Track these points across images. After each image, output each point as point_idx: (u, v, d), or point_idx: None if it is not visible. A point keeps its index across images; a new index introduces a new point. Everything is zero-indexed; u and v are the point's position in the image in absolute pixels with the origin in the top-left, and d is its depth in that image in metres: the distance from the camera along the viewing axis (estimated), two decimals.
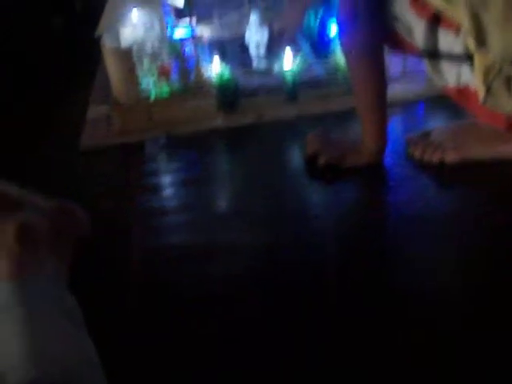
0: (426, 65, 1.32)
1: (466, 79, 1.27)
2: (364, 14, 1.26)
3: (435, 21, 1.23)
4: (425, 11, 1.23)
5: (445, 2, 1.18)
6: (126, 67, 1.62)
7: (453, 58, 1.26)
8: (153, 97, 1.66)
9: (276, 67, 1.67)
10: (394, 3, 1.28)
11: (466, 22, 1.16)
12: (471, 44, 1.20)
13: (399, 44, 1.37)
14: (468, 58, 1.23)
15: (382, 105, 1.37)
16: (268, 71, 1.73)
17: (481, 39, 1.16)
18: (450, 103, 1.41)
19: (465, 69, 1.25)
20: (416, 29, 1.27)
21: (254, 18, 1.86)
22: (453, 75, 1.28)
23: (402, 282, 1.09)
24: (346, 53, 1.35)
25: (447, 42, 1.25)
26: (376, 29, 1.30)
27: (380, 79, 1.35)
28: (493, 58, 1.18)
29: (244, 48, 1.93)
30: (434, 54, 1.28)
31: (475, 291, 1.06)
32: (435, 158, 1.40)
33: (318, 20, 1.92)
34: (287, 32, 1.72)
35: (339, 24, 1.32)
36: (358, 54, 1.32)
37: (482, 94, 1.23)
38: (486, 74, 1.21)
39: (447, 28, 1.23)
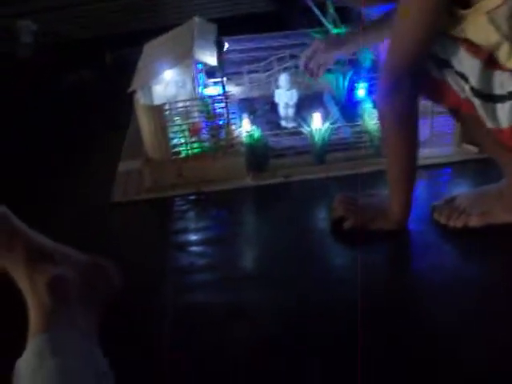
0: (477, 107, 1.31)
1: None
2: (407, 81, 1.26)
3: (491, 61, 1.23)
4: (480, 53, 1.23)
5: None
6: (158, 124, 1.65)
7: (506, 97, 1.25)
8: (183, 154, 1.70)
9: (305, 129, 1.70)
10: (447, 50, 1.28)
11: None
12: None
13: (440, 93, 1.36)
14: None
15: (412, 174, 1.38)
16: (297, 132, 1.75)
17: None
18: (476, 169, 1.43)
19: None
20: (470, 70, 1.26)
21: (283, 78, 1.90)
22: (506, 114, 1.26)
23: (425, 349, 1.09)
24: (383, 119, 1.36)
25: (501, 81, 1.24)
26: (416, 96, 1.31)
27: (413, 148, 1.36)
28: None
29: (273, 107, 1.97)
30: (487, 96, 1.27)
31: (498, 362, 1.06)
32: (460, 223, 1.41)
33: (347, 83, 1.96)
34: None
35: (380, 90, 1.33)
36: (396, 122, 1.32)
37: None
38: None
39: (502, 69, 1.24)
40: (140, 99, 1.68)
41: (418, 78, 1.28)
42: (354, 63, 2.05)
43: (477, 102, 1.28)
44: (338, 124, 1.79)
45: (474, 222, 1.40)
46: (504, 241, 1.37)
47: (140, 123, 1.69)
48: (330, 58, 1.80)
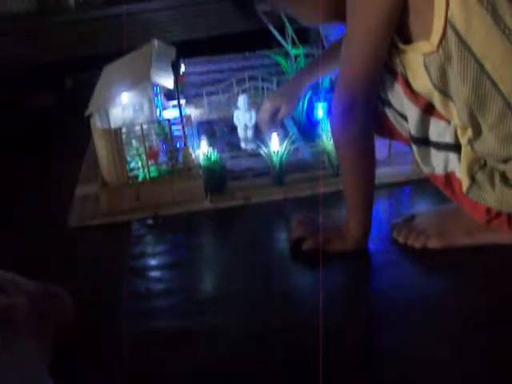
0: (413, 151, 1.33)
1: (452, 167, 1.29)
2: (361, 105, 1.25)
3: (429, 109, 1.25)
4: (419, 100, 1.25)
5: (442, 96, 1.20)
6: (115, 148, 1.63)
7: (442, 146, 1.27)
8: (141, 177, 1.68)
9: (263, 150, 1.69)
10: (388, 90, 1.30)
11: (462, 116, 1.18)
12: (461, 136, 1.23)
13: (386, 129, 1.39)
14: (456, 147, 1.26)
15: (369, 192, 1.38)
16: (255, 154, 1.75)
17: (475, 134, 1.19)
18: (435, 187, 1.43)
19: (452, 157, 1.27)
20: (409, 115, 1.28)
21: (242, 100, 1.89)
22: (440, 162, 1.29)
23: (385, 370, 1.09)
24: (337, 140, 1.34)
25: (438, 130, 1.26)
26: (370, 118, 1.31)
27: (370, 166, 1.36)
28: (480, 154, 1.21)
29: (232, 129, 1.96)
30: (423, 141, 1.29)
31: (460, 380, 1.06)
32: (418, 243, 1.41)
33: (306, 103, 1.96)
34: (281, 113, 1.72)
35: (333, 113, 1.31)
36: (351, 142, 1.31)
37: (465, 183, 1.25)
38: (472, 164, 1.23)
39: (439, 117, 1.25)
40: (96, 122, 1.66)
41: (369, 104, 1.28)
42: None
43: (414, 146, 1.30)
44: (297, 145, 1.78)
45: (433, 243, 1.40)
46: (464, 259, 1.36)
47: (96, 147, 1.68)
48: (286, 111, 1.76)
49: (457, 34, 1.09)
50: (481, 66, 1.10)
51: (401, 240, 1.43)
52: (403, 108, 1.29)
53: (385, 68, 1.25)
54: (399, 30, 1.18)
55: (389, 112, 1.35)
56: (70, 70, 2.88)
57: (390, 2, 1.12)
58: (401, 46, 1.19)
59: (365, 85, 1.24)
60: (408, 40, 1.18)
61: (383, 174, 1.66)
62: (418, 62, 1.18)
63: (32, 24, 3.05)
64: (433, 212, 1.51)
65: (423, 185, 1.65)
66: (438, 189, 1.38)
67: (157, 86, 1.77)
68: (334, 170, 1.72)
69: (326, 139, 1.74)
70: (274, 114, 1.70)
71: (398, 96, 1.29)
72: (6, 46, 2.93)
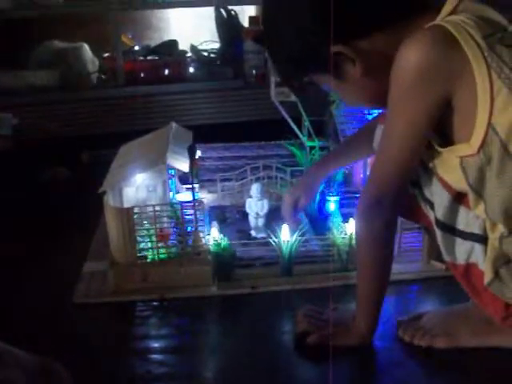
0: (438, 237, 1.32)
1: (475, 258, 1.27)
2: (390, 201, 1.26)
3: (459, 197, 1.25)
4: (451, 188, 1.25)
5: (475, 196, 1.21)
6: (126, 227, 1.64)
7: (468, 235, 1.27)
8: (149, 258, 1.68)
9: (273, 239, 1.69)
10: (419, 172, 1.30)
11: (495, 215, 1.19)
12: (490, 230, 1.22)
13: (412, 212, 1.39)
14: (483, 239, 1.25)
15: (382, 288, 1.38)
16: (265, 243, 1.75)
17: (508, 232, 1.19)
18: (444, 286, 1.43)
19: (477, 248, 1.26)
20: (438, 200, 1.28)
21: (255, 188, 1.91)
22: (463, 252, 1.28)
23: None
24: (360, 233, 1.35)
25: (467, 219, 1.26)
26: (397, 214, 1.32)
27: (387, 263, 1.36)
28: (508, 252, 1.21)
29: (244, 216, 1.97)
30: (449, 228, 1.28)
31: None
32: (424, 343, 1.40)
33: (318, 196, 1.97)
34: (300, 204, 1.73)
35: (360, 204, 1.32)
36: (374, 238, 1.32)
37: (488, 276, 1.23)
38: (497, 259, 1.22)
39: (469, 207, 1.25)
40: (109, 200, 1.68)
41: (397, 205, 1.29)
42: None
43: (438, 232, 1.30)
44: (307, 236, 1.79)
45: (440, 343, 1.39)
46: (470, 361, 1.35)
47: (108, 225, 1.69)
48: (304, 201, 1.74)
49: (499, 139, 1.11)
50: None
51: (406, 338, 1.42)
52: (431, 193, 1.29)
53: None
54: (438, 131, 1.20)
55: (416, 193, 1.35)
56: (87, 145, 2.91)
57: (436, 100, 1.14)
58: (437, 148, 1.21)
59: (397, 182, 1.26)
60: (445, 140, 1.20)
61: (393, 270, 1.65)
62: (454, 162, 1.19)
63: (54, 98, 3.12)
64: (440, 312, 1.50)
65: (431, 283, 1.64)
66: (447, 290, 1.37)
67: (171, 168, 1.79)
68: (342, 264, 1.72)
69: (337, 232, 1.75)
70: (295, 205, 1.71)
71: (428, 180, 1.29)
72: (26, 118, 2.98)
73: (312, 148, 2.20)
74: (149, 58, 3.43)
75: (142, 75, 3.31)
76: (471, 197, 1.21)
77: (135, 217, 1.65)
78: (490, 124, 1.11)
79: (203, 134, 2.23)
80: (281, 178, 2.20)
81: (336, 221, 1.81)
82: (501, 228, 1.20)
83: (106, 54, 3.41)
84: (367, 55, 1.20)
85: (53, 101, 3.11)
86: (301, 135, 2.20)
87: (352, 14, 1.18)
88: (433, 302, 1.62)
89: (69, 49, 3.27)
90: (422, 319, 1.46)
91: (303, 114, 2.12)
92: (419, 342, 1.40)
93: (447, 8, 1.17)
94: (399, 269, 1.71)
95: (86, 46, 3.29)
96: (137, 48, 3.48)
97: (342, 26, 1.16)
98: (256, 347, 1.44)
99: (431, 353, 1.38)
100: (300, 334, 1.43)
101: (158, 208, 1.67)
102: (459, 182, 1.21)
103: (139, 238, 1.67)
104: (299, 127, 2.19)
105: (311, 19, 1.19)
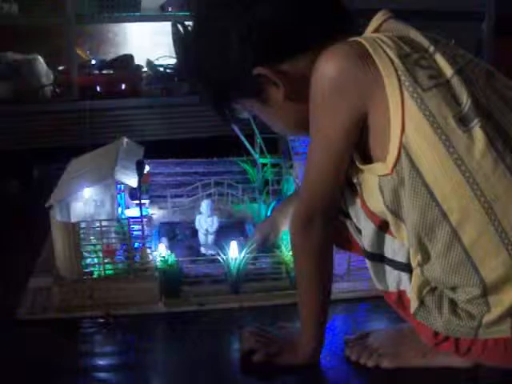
0: (368, 266, 1.33)
1: (404, 286, 1.28)
2: (320, 219, 1.26)
3: (383, 227, 1.26)
4: (375, 217, 1.26)
5: (394, 219, 1.21)
6: (72, 242, 1.62)
7: (396, 264, 1.27)
8: (96, 274, 1.66)
9: (221, 256, 1.68)
10: (348, 202, 1.30)
11: (412, 240, 1.19)
12: (412, 258, 1.23)
13: (346, 242, 1.40)
14: (408, 267, 1.25)
15: (324, 307, 1.37)
16: (214, 259, 1.73)
17: (424, 260, 1.19)
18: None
19: (403, 277, 1.27)
20: (364, 230, 1.29)
21: (205, 205, 1.90)
22: (393, 281, 1.29)
23: None
24: (296, 252, 1.35)
25: (393, 248, 1.26)
26: (329, 232, 1.31)
27: (326, 281, 1.36)
28: (429, 279, 1.22)
29: (194, 233, 1.96)
30: (379, 257, 1.29)
31: None
32: (370, 363, 1.39)
33: (269, 212, 1.97)
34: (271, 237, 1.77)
35: (292, 224, 1.32)
36: (309, 255, 1.31)
37: (414, 305, 1.24)
38: (421, 287, 1.23)
39: (393, 236, 1.26)
40: (56, 215, 1.65)
41: (330, 216, 1.29)
42: (276, 193, 2.08)
43: (368, 262, 1.31)
44: (256, 254, 1.78)
45: (386, 363, 1.38)
46: (417, 381, 1.36)
47: (53, 239, 1.66)
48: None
49: (410, 159, 1.11)
50: (430, 194, 1.12)
51: (353, 358, 1.41)
52: (359, 222, 1.30)
53: (346, 181, 1.26)
54: (359, 149, 1.20)
55: (349, 224, 1.35)
56: (40, 158, 2.87)
57: (351, 113, 1.14)
58: (359, 165, 1.21)
59: (324, 199, 1.26)
60: (367, 159, 1.20)
61: (340, 288, 1.66)
62: (373, 182, 1.19)
63: (6, 110, 3.07)
64: (387, 331, 1.50)
65: (380, 302, 1.64)
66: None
67: (120, 183, 1.77)
68: (290, 282, 1.71)
69: (285, 249, 1.74)
70: (264, 242, 1.76)
71: (355, 209, 1.30)
72: None
73: (264, 165, 2.20)
74: (104, 72, 3.40)
75: (97, 89, 3.29)
76: (391, 221, 1.22)
77: (81, 232, 1.63)
78: (401, 143, 1.11)
79: (157, 150, 2.22)
80: (232, 195, 2.19)
81: (285, 238, 1.80)
82: (418, 256, 1.20)
83: (61, 67, 3.37)
84: (290, 77, 1.21)
85: (5, 113, 3.06)
86: (253, 152, 2.19)
87: (273, 36, 1.18)
88: (381, 320, 1.62)
89: (23, 61, 3.22)
90: (369, 338, 1.46)
91: (256, 130, 2.12)
92: (366, 362, 1.40)
93: (370, 27, 1.20)
94: (348, 287, 1.72)
95: (41, 59, 3.24)
96: (93, 62, 3.45)
97: (262, 48, 1.17)
98: (201, 365, 1.43)
99: (377, 373, 1.38)
100: (246, 352, 1.42)
101: (104, 223, 1.65)
102: (378, 204, 1.21)
103: (85, 254, 1.65)
104: (252, 144, 2.19)
105: (231, 41, 1.19)
